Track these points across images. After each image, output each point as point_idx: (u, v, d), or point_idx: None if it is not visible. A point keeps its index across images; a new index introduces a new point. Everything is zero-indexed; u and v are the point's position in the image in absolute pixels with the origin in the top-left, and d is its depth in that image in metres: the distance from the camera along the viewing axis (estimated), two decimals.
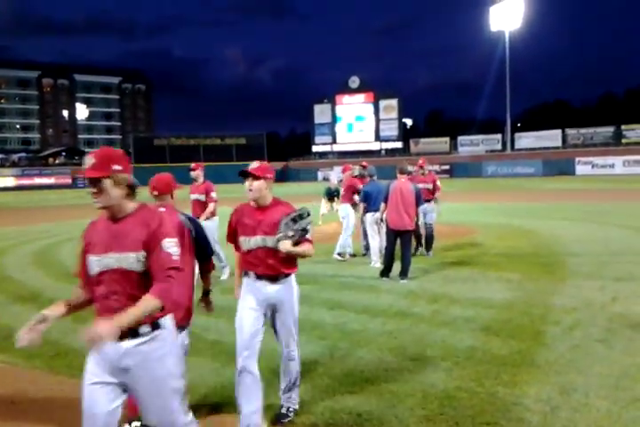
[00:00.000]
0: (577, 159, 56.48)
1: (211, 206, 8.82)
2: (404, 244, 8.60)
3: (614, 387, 4.24)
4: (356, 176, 11.17)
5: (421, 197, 8.91)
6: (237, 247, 3.96)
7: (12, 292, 8.56)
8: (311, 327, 6.08)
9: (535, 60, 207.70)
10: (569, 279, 8.17)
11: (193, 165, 9.11)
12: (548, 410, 3.90)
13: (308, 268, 9.44)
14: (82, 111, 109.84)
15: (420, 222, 10.09)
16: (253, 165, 3.79)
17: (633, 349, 5.08)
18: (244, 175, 3.76)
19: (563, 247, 11.15)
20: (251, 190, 3.74)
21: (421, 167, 11.10)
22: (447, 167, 61.96)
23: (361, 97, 78.25)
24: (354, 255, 10.86)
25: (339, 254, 10.55)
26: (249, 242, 3.79)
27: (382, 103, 77.35)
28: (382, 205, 8.77)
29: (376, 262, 9.69)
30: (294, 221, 3.67)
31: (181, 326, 3.86)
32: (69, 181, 72.16)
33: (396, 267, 8.66)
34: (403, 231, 8.51)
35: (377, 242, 9.85)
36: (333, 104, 79.33)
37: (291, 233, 3.62)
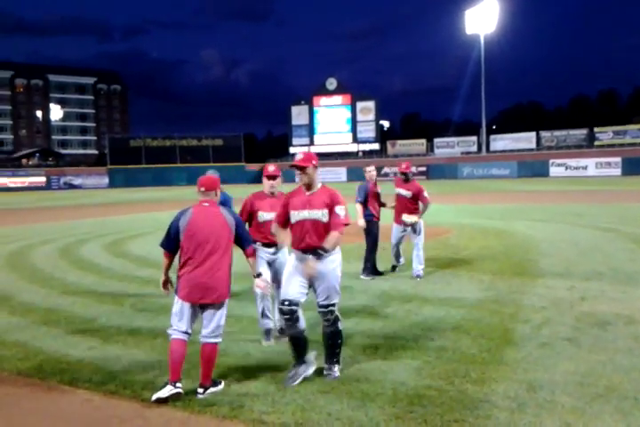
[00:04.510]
0: (551, 161, 57.35)
1: None
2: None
3: (579, 384, 4.33)
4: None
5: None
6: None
7: None
8: None
9: (509, 63, 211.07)
10: (539, 279, 8.30)
11: None
12: (515, 407, 3.97)
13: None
14: (56, 112, 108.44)
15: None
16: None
17: (598, 347, 5.20)
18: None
19: (534, 248, 11.32)
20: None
21: (403, 173, 8.92)
22: (424, 169, 62.48)
23: (338, 99, 78.56)
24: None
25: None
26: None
27: (359, 105, 77.76)
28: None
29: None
30: None
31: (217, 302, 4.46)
32: (43, 182, 71.20)
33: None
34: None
35: None
36: (311, 106, 79.53)
37: None
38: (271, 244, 5.69)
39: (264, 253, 5.72)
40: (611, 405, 3.95)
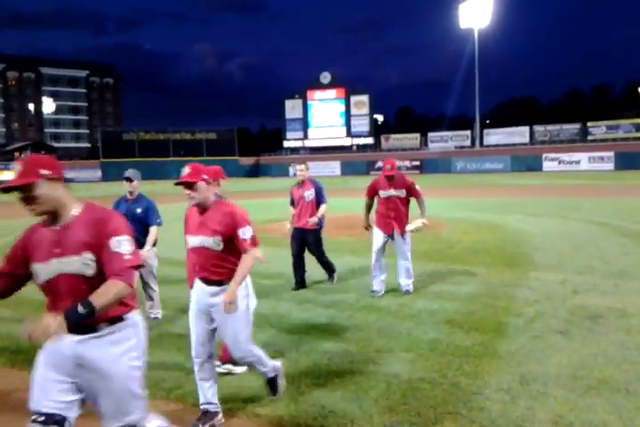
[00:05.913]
0: (544, 155, 57.39)
1: None
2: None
3: (572, 376, 4.36)
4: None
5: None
6: None
7: None
8: (278, 321, 6.11)
9: (504, 57, 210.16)
10: (532, 273, 8.33)
11: None
12: (507, 399, 4.00)
13: (277, 265, 9.41)
14: (48, 105, 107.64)
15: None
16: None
17: (590, 339, 5.23)
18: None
19: (527, 241, 11.36)
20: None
21: (389, 176, 7.12)
22: (417, 163, 62.45)
23: (332, 93, 78.25)
24: None
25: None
26: None
27: (353, 99, 77.51)
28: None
29: None
30: None
31: None
32: None
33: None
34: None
35: None
36: (305, 100, 79.20)
37: None
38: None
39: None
40: (603, 397, 3.98)
